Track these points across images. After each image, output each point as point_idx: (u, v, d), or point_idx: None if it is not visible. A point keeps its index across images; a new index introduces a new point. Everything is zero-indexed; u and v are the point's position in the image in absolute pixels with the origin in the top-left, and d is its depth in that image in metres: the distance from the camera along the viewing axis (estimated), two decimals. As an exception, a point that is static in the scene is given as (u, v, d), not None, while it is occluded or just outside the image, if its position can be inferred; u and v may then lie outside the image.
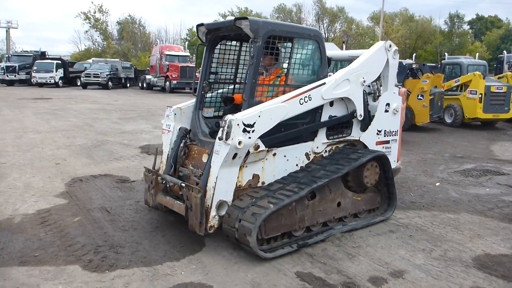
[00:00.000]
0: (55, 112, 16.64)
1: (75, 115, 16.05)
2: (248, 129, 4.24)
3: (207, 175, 4.36)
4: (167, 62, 30.92)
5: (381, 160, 5.34)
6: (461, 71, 16.28)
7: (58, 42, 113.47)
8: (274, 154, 4.75)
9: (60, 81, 34.72)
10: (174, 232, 4.95)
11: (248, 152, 4.37)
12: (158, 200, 4.96)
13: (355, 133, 5.54)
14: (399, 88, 11.14)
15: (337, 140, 5.37)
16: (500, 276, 4.08)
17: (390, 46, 5.66)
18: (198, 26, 5.28)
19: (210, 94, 5.55)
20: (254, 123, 4.28)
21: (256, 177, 4.64)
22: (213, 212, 4.29)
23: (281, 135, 4.72)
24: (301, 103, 4.68)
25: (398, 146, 6.09)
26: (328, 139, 5.25)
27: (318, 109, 5.05)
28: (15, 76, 34.62)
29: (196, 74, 6.60)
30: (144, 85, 35.18)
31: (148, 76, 35.05)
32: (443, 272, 4.13)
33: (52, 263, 4.14)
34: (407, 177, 7.98)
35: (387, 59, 5.66)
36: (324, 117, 5.17)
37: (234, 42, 5.57)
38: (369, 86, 5.96)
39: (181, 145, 5.13)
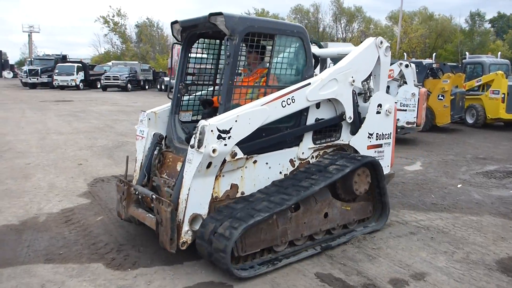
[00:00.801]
0: (77, 114, 16.95)
1: (96, 117, 16.32)
2: (223, 135, 3.86)
3: (179, 186, 3.97)
4: (185, 64, 31.06)
5: (372, 166, 4.93)
6: (483, 71, 16.01)
7: (78, 46, 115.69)
8: (255, 162, 4.37)
9: (81, 83, 35.32)
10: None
11: (225, 160, 4.00)
12: (130, 212, 4.58)
13: (345, 137, 5.17)
14: (419, 88, 11.15)
15: (325, 144, 5.01)
16: (525, 279, 4.01)
17: (381, 42, 5.27)
18: (172, 23, 4.90)
19: (188, 97, 5.18)
20: (231, 128, 3.90)
21: (234, 187, 4.26)
22: (185, 227, 3.90)
23: (261, 141, 4.34)
24: (284, 105, 4.32)
25: (392, 150, 5.72)
26: (314, 144, 4.89)
27: (303, 112, 4.70)
28: (37, 79, 35.34)
29: (164, 78, 6.30)
30: (162, 87, 35.52)
31: (166, 78, 35.37)
32: (466, 275, 4.08)
33: (76, 261, 4.24)
34: (428, 178, 7.89)
35: (378, 56, 5.29)
36: (310, 120, 4.81)
37: (213, 40, 5.18)
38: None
39: (155, 152, 4.75)
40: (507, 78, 14.73)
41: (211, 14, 4.22)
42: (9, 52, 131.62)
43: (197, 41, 5.04)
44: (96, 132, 12.55)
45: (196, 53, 5.08)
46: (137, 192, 4.52)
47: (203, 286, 3.80)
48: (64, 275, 3.95)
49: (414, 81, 11.21)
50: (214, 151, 3.79)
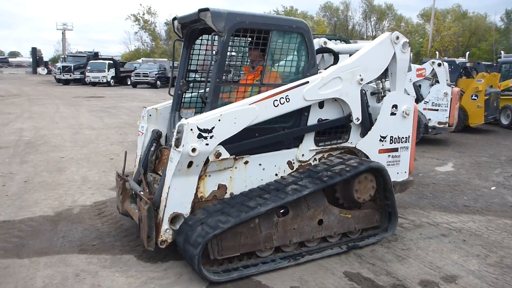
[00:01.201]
0: (108, 110, 17.34)
1: (126, 112, 16.65)
2: (204, 134, 3.74)
3: (162, 184, 3.93)
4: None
5: (378, 172, 4.52)
6: (520, 70, 15.51)
7: (109, 43, 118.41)
8: (246, 162, 4.20)
9: (112, 80, 35.99)
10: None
11: (208, 160, 3.89)
12: (125, 207, 4.62)
13: (354, 139, 4.79)
14: (452, 87, 10.90)
15: (329, 147, 4.68)
16: (562, 286, 3.88)
17: (398, 38, 4.78)
18: (173, 20, 4.82)
19: (190, 94, 5.05)
20: (213, 128, 3.78)
21: (222, 187, 4.11)
22: (165, 226, 3.81)
23: (251, 141, 4.17)
24: (276, 105, 4.10)
25: (411, 155, 5.16)
26: (317, 145, 4.59)
27: (304, 112, 4.45)
28: (70, 75, 36.26)
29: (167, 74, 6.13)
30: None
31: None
32: (499, 279, 3.98)
33: (109, 252, 4.35)
34: (460, 180, 7.71)
35: (394, 53, 4.80)
36: (312, 121, 4.53)
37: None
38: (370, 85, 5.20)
39: (152, 148, 4.77)
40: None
41: (200, 10, 4.12)
42: (43, 49, 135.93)
43: (200, 37, 4.93)
44: (127, 127, 12.81)
45: (200, 49, 4.96)
46: (130, 187, 4.60)
47: (230, 280, 3.84)
48: (98, 265, 4.07)
49: (446, 80, 10.98)
50: (193, 150, 3.70)
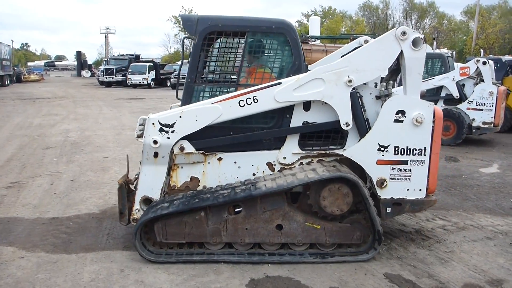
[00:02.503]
0: (149, 111, 17.56)
1: (166, 114, 16.99)
2: (166, 129, 4.16)
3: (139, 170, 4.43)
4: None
5: (353, 184, 4.11)
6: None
7: (150, 46, 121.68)
8: (220, 159, 4.38)
9: (152, 82, 36.80)
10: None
11: (173, 152, 4.28)
12: None
13: (351, 146, 4.40)
14: (498, 86, 10.50)
15: (317, 152, 4.42)
16: None
17: (404, 33, 4.17)
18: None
19: (201, 95, 4.91)
20: (174, 123, 4.16)
21: (195, 180, 4.41)
22: (136, 206, 4.36)
23: (221, 139, 4.33)
24: (242, 105, 4.14)
25: (431, 170, 4.37)
26: (302, 149, 4.40)
27: (285, 113, 4.33)
28: (112, 78, 37.37)
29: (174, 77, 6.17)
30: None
31: (233, 76, 36.01)
32: (550, 285, 3.82)
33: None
34: (506, 181, 7.43)
35: (401, 51, 4.22)
36: (296, 123, 4.36)
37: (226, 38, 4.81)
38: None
39: None
40: None
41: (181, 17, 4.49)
42: (87, 52, 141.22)
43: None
44: (167, 128, 13.08)
45: (213, 51, 4.93)
46: None
47: (271, 280, 3.88)
48: (141, 262, 4.20)
49: (492, 79, 10.59)
50: (155, 142, 4.15)
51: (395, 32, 4.22)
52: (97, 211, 5.66)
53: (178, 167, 4.39)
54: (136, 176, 4.62)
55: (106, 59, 45.66)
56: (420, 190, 4.37)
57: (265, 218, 4.16)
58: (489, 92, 10.37)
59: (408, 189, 4.36)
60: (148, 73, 36.26)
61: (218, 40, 4.48)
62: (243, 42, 4.37)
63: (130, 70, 36.43)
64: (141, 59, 42.07)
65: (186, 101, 4.40)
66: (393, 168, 4.33)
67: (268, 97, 4.18)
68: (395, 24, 61.42)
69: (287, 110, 4.35)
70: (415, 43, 4.21)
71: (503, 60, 14.18)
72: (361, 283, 3.81)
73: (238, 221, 4.17)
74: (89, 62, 72.72)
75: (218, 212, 4.16)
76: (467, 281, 3.86)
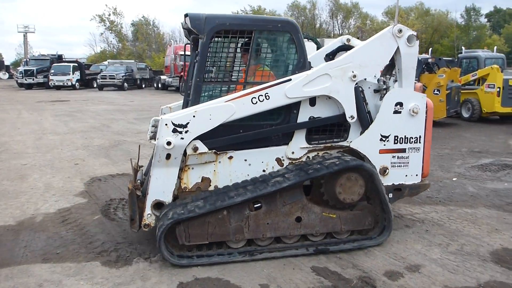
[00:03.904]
0: (73, 114, 16.93)
1: (92, 116, 16.31)
2: (179, 129, 4.05)
3: (149, 174, 4.29)
4: (181, 62, 31.10)
5: (365, 172, 4.38)
6: (478, 65, 16.07)
7: (74, 45, 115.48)
8: (231, 158, 4.35)
9: (77, 83, 35.14)
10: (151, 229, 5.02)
11: (186, 153, 4.15)
12: None
13: (353, 138, 4.65)
14: (415, 83, 11.16)
15: (323, 145, 4.60)
16: (518, 270, 4.05)
17: (400, 31, 4.51)
18: (182, 24, 4.92)
19: (203, 94, 4.89)
20: (187, 123, 4.06)
21: (206, 180, 4.34)
22: (147, 211, 4.19)
23: (233, 137, 4.31)
24: (255, 102, 4.18)
25: (425, 156, 4.82)
26: (309, 143, 4.54)
27: (293, 109, 4.45)
28: (33, 79, 35.13)
29: (161, 77, 6.29)
30: (159, 85, 35.47)
31: (163, 77, 35.34)
32: (460, 266, 4.12)
33: (73, 260, 4.25)
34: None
35: (397, 47, 4.56)
36: (302, 118, 4.50)
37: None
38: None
39: None
40: (502, 72, 14.79)
41: (185, 16, 4.39)
42: (4, 53, 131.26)
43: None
44: (93, 131, 12.55)
45: (218, 50, 4.87)
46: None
47: (200, 282, 3.83)
48: (62, 274, 3.97)
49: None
50: (169, 143, 4.01)
51: (392, 30, 4.54)
52: (13, 222, 5.27)
53: (189, 168, 4.28)
54: (138, 181, 4.57)
55: (25, 60, 42.79)
56: (417, 175, 4.82)
57: (285, 212, 4.26)
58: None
59: (406, 175, 4.77)
60: (73, 74, 34.61)
61: (222, 40, 4.51)
62: (242, 41, 4.47)
63: (52, 71, 34.52)
64: (64, 59, 39.90)
65: (195, 100, 4.31)
66: (393, 156, 4.70)
67: (280, 94, 4.27)
68: (322, 24, 63.54)
69: (295, 106, 4.47)
70: (409, 39, 4.58)
71: (419, 59, 15.14)
72: (289, 278, 3.88)
73: (260, 216, 4.21)
74: (7, 63, 67.77)
75: (239, 209, 4.15)
76: (388, 269, 4.06)
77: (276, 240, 4.39)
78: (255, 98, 4.20)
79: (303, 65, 4.50)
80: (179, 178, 4.26)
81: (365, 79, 4.66)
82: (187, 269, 4.04)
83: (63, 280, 3.86)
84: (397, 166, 4.72)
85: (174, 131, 4.05)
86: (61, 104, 21.59)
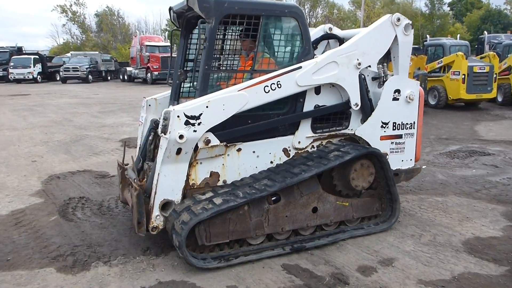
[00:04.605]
0: (33, 108, 16.17)
1: (54, 110, 15.62)
2: (192, 121, 3.76)
3: (153, 171, 3.96)
4: (147, 53, 30.36)
5: (376, 158, 4.48)
6: (444, 52, 16.23)
7: (35, 37, 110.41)
8: (239, 150, 4.19)
9: (39, 76, 33.83)
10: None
11: (197, 147, 3.90)
12: (124, 195, 4.70)
13: (355, 126, 4.70)
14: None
15: (327, 134, 4.61)
16: (491, 260, 3.98)
17: (398, 19, 4.62)
18: (169, 10, 4.80)
19: (190, 83, 4.84)
20: (200, 114, 3.79)
21: (215, 175, 4.12)
22: (155, 212, 3.86)
23: (243, 128, 4.15)
24: (267, 91, 4.06)
25: (417, 141, 5.02)
26: (314, 132, 4.53)
27: (299, 98, 4.39)
28: (-9, 73, 33.64)
29: (127, 68, 6.06)
30: (125, 77, 34.56)
31: (129, 68, 34.42)
32: (433, 258, 4.02)
33: (25, 267, 3.92)
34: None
35: (395, 35, 4.65)
36: (308, 107, 4.47)
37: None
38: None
39: (150, 138, 4.68)
40: (467, 59, 15.00)
41: None
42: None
43: (197, 27, 4.79)
44: (53, 126, 11.97)
45: (198, 38, 4.74)
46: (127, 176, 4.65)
47: (164, 285, 3.58)
48: (11, 283, 3.63)
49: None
50: (181, 137, 3.71)
51: (391, 18, 4.63)
52: (-40, 227, 4.85)
53: (197, 163, 4.01)
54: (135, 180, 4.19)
55: (-18, 52, 40.76)
56: (411, 160, 5.02)
57: (302, 203, 4.16)
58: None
59: (402, 160, 4.93)
60: (34, 67, 33.27)
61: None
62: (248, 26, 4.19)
63: (12, 64, 33.04)
64: (24, 51, 38.27)
65: (203, 90, 4.04)
66: (392, 142, 4.84)
67: (291, 82, 4.18)
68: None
69: (301, 95, 4.39)
70: (406, 28, 4.69)
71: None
72: (258, 278, 3.67)
73: (279, 209, 4.07)
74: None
75: (258, 204, 3.96)
76: (361, 264, 3.92)
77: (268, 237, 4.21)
78: (267, 86, 4.07)
79: (308, 52, 4.42)
80: (187, 174, 3.98)
81: (369, 66, 4.67)
82: (149, 272, 3.78)
83: (11, 290, 3.54)
84: (395, 152, 4.86)
85: (187, 123, 3.75)
86: (21, 98, 20.62)
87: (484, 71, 14.89)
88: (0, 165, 7.60)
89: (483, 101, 15.91)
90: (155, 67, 29.91)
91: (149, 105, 5.02)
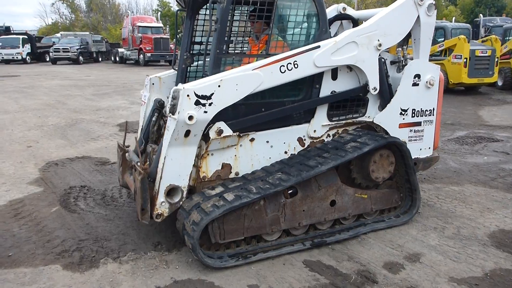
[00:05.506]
0: (24, 90, 15.68)
1: (46, 92, 15.16)
2: (202, 101, 3.47)
3: (159, 154, 3.69)
4: (140, 34, 29.68)
5: (397, 147, 4.25)
6: (445, 35, 15.94)
7: (22, 16, 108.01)
8: (252, 140, 3.92)
9: (28, 57, 33.05)
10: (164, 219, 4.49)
11: (209, 138, 3.64)
12: (125, 179, 4.46)
13: (372, 113, 4.42)
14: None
15: (344, 122, 4.35)
16: (522, 255, 3.80)
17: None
18: None
19: (196, 65, 4.74)
20: (212, 94, 3.49)
21: (227, 166, 3.86)
22: (160, 198, 3.59)
23: (257, 117, 3.87)
24: (283, 71, 3.77)
25: (436, 129, 4.77)
26: (330, 120, 4.27)
27: (315, 84, 4.12)
28: (-22, 53, 32.74)
29: (171, 45, 5.77)
30: (117, 58, 33.87)
31: (120, 50, 33.71)
32: (461, 253, 3.83)
33: (28, 264, 3.66)
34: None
35: (418, 16, 4.36)
36: (325, 93, 4.20)
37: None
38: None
39: (153, 118, 4.49)
40: (469, 43, 14.74)
41: None
42: None
43: (203, 7, 4.60)
44: (47, 109, 11.56)
45: (204, 19, 4.56)
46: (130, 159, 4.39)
47: (180, 285, 3.35)
48: (15, 282, 3.37)
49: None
50: (190, 118, 3.41)
51: None
52: (-45, 219, 4.56)
53: (208, 154, 3.75)
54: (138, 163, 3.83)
55: (-32, 32, 39.63)
56: (429, 148, 4.77)
57: (320, 196, 3.95)
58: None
59: (421, 149, 4.70)
60: (23, 47, 32.49)
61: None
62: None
63: (0, 44, 32.13)
64: (12, 31, 37.28)
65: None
66: (410, 130, 4.59)
67: (308, 62, 3.89)
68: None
69: (317, 80, 4.13)
70: (429, 8, 4.40)
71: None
72: (280, 276, 3.45)
73: (296, 203, 3.84)
74: None
75: (275, 198, 3.73)
76: (386, 260, 3.71)
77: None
78: (283, 66, 3.77)
79: (325, 33, 4.14)
80: (197, 166, 3.73)
81: (387, 50, 4.41)
82: (164, 270, 3.54)
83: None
84: (413, 140, 4.63)
85: (197, 103, 3.45)
86: (11, 79, 20.04)
87: (486, 54, 14.66)
88: (-6, 151, 7.26)
89: (483, 86, 15.73)
90: (147, 48, 29.31)
91: (153, 83, 4.72)
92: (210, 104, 3.50)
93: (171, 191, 3.63)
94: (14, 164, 6.52)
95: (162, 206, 3.61)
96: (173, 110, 3.46)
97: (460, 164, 6.61)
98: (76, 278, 3.44)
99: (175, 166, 3.58)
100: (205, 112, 3.49)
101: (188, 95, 3.42)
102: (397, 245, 3.97)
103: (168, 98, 3.70)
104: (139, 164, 3.71)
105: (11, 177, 5.94)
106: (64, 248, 3.91)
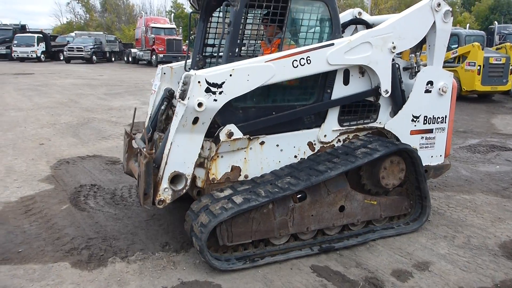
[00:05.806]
0: (38, 88, 15.87)
1: (59, 91, 15.32)
2: (213, 89, 3.44)
3: (165, 140, 3.71)
4: (152, 35, 29.86)
5: (408, 154, 4.23)
6: (459, 42, 15.80)
7: (38, 15, 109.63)
8: (262, 143, 3.91)
9: (42, 55, 33.42)
10: (172, 220, 4.52)
11: (219, 140, 3.64)
12: (129, 166, 4.46)
13: (383, 119, 4.40)
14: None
15: (355, 127, 4.34)
16: (533, 266, 3.75)
17: (439, 5, 4.30)
18: None
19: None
20: (223, 82, 3.48)
21: (236, 169, 3.86)
22: (164, 184, 3.56)
23: (267, 119, 3.87)
24: (296, 65, 3.75)
25: (448, 136, 4.75)
26: (341, 125, 4.25)
27: (326, 88, 4.10)
28: (-6, 50, 33.24)
29: (183, 47, 5.79)
30: (130, 59, 34.12)
31: (133, 50, 33.94)
32: (471, 262, 3.78)
33: (38, 260, 3.69)
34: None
35: (434, 21, 4.34)
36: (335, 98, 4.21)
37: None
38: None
39: (162, 107, 4.49)
40: (483, 50, 14.60)
41: None
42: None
43: (217, 10, 4.62)
44: (60, 107, 11.69)
45: (218, 22, 4.59)
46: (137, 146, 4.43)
47: (187, 286, 3.36)
48: (24, 278, 3.41)
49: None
50: (200, 105, 3.40)
51: (431, 3, 4.30)
52: (-33, 214, 4.62)
53: (218, 156, 3.74)
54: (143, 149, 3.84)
55: (-15, 29, 40.23)
56: (441, 155, 4.75)
57: (329, 201, 3.94)
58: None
59: (432, 156, 4.68)
60: (37, 45, 32.85)
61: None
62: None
63: (15, 42, 32.63)
64: (28, 30, 37.75)
65: None
66: (422, 137, 4.58)
67: (321, 59, 3.88)
68: None
69: (329, 84, 4.13)
70: (445, 15, 4.38)
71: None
72: (287, 281, 3.45)
73: (304, 208, 3.83)
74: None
75: (283, 202, 3.72)
76: (395, 267, 3.68)
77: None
78: (296, 61, 3.76)
79: (337, 37, 4.11)
80: (206, 168, 3.74)
81: (399, 56, 4.42)
82: (171, 271, 3.55)
83: (25, 286, 3.31)
84: (425, 147, 4.61)
85: (208, 90, 3.44)
86: (25, 77, 20.29)
87: (500, 62, 14.51)
88: (7, 147, 7.35)
89: (497, 93, 15.56)
90: (160, 49, 29.47)
91: (164, 73, 4.77)
92: (220, 93, 3.50)
93: (175, 178, 3.63)
94: (26, 161, 6.60)
95: (165, 193, 3.60)
96: (183, 96, 3.45)
97: (472, 173, 6.54)
98: (84, 276, 3.47)
99: (181, 153, 3.58)
100: (215, 100, 3.48)
101: (199, 82, 3.41)
102: (406, 253, 3.93)
103: (178, 83, 3.70)
104: (145, 149, 3.72)
105: (23, 173, 6.01)
106: (73, 246, 3.94)
